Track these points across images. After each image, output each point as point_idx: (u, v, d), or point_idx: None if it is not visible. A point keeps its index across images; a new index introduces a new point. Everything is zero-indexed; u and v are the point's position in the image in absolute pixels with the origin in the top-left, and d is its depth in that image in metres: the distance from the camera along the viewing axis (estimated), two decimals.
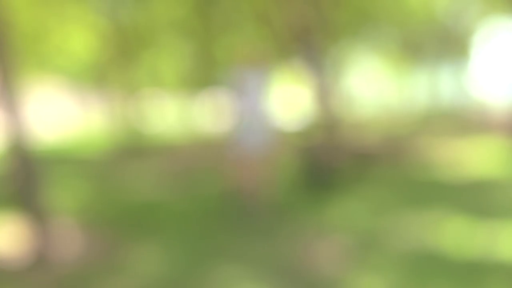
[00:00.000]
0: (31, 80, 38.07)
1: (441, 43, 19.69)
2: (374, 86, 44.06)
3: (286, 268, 3.92)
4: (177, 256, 4.25)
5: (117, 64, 16.75)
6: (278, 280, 3.64)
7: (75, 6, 16.54)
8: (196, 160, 12.96)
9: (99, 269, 3.99)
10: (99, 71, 37.48)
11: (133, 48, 24.70)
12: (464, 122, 21.25)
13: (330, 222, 5.26)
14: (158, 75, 40.72)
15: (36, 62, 31.94)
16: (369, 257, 4.04)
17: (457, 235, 4.54)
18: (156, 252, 4.40)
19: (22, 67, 30.73)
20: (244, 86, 4.73)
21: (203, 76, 29.62)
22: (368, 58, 34.58)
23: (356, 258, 4.06)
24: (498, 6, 15.71)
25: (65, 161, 14.30)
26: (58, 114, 44.05)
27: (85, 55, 29.92)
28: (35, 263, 4.19)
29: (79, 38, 23.56)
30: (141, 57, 30.53)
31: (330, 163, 7.27)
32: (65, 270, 3.97)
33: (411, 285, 3.42)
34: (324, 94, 8.91)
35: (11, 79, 4.36)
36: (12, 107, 4.36)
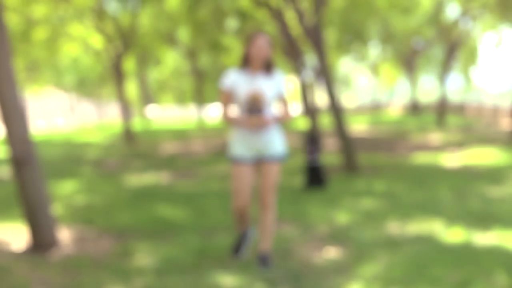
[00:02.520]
0: (35, 90, 38.41)
1: (449, 50, 19.81)
2: (382, 88, 44.30)
3: (285, 272, 3.89)
4: (176, 255, 4.23)
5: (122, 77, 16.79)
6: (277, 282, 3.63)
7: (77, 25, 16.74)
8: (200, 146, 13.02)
9: (95, 261, 3.98)
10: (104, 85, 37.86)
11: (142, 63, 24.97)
12: (469, 119, 21.31)
13: (328, 221, 5.25)
14: (165, 90, 41.07)
15: (42, 76, 32.46)
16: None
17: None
18: (155, 250, 4.38)
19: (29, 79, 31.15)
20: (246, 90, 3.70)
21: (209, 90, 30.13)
22: (378, 63, 34.64)
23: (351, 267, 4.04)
24: (504, 16, 15.92)
25: (65, 146, 14.35)
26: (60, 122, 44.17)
27: (90, 70, 30.35)
28: (32, 255, 4.17)
29: (85, 54, 24.02)
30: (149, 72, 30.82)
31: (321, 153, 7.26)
32: (61, 260, 3.95)
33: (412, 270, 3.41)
34: (328, 94, 8.93)
35: (12, 79, 4.34)
36: (13, 104, 4.35)
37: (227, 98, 3.77)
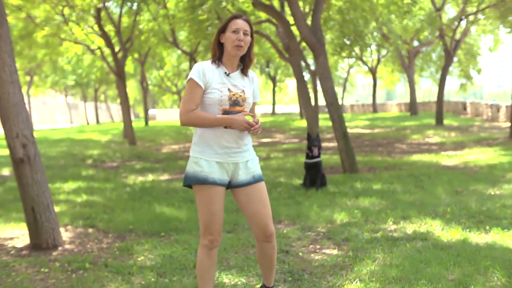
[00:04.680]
0: (39, 93, 38.51)
1: (448, 50, 19.87)
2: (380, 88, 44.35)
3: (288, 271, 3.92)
4: (174, 254, 4.26)
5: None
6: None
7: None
8: None
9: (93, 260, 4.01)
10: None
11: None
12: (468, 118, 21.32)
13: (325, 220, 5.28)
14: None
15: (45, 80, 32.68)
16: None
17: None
18: (155, 250, 4.41)
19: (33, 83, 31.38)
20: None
21: None
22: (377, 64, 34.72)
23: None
24: (501, 19, 16.02)
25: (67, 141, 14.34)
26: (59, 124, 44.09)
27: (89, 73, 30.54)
28: (33, 254, 4.20)
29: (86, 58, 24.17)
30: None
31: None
32: (62, 259, 3.98)
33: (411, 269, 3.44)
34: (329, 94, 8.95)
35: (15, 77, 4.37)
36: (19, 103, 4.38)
37: (199, 95, 2.82)
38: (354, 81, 54.64)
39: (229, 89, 2.84)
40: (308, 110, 12.50)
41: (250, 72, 2.98)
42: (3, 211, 6.25)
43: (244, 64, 2.93)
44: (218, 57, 2.89)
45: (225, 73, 2.87)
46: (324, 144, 13.59)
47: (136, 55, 23.15)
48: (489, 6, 16.43)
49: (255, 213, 2.92)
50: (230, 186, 2.92)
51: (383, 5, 14.83)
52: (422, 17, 18.71)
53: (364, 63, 33.70)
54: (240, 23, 2.83)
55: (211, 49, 2.93)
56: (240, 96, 2.86)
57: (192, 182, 2.85)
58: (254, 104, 3.02)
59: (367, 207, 5.83)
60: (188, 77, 2.85)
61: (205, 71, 2.83)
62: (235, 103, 2.84)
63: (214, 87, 2.82)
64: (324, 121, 20.95)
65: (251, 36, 2.87)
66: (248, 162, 2.93)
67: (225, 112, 2.81)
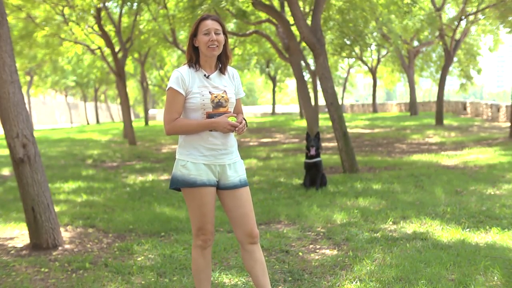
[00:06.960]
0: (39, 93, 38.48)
1: (448, 50, 19.88)
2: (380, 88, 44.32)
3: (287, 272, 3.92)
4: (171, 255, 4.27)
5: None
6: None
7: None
8: None
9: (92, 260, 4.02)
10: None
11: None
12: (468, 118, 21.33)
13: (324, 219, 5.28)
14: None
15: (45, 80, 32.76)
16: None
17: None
18: (155, 249, 4.41)
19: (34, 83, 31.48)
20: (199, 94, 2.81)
21: None
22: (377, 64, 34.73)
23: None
24: (501, 19, 16.01)
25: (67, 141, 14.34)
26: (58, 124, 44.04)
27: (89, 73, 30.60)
28: (33, 254, 4.21)
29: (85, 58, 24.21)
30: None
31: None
32: (62, 259, 3.99)
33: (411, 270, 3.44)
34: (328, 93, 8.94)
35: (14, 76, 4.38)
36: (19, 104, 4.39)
37: (180, 103, 2.84)
38: (354, 81, 54.57)
39: (210, 92, 2.84)
40: (308, 110, 12.49)
41: (230, 69, 2.97)
42: (3, 211, 6.25)
43: (221, 62, 2.92)
44: (195, 61, 2.88)
45: (205, 75, 2.86)
46: (324, 144, 13.58)
47: (136, 55, 23.13)
48: (489, 6, 16.42)
49: (242, 216, 2.90)
50: (218, 187, 2.92)
51: (383, 5, 14.81)
52: (422, 17, 18.69)
53: (364, 63, 33.66)
54: (209, 24, 2.82)
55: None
56: (222, 97, 2.85)
57: (181, 185, 2.86)
58: (239, 100, 3.02)
59: (367, 207, 5.83)
60: (168, 86, 2.86)
61: (184, 77, 2.83)
62: (218, 104, 2.84)
63: (195, 92, 2.82)
64: (324, 121, 20.94)
65: (224, 34, 2.86)
66: (236, 163, 2.94)
67: (209, 115, 2.82)
